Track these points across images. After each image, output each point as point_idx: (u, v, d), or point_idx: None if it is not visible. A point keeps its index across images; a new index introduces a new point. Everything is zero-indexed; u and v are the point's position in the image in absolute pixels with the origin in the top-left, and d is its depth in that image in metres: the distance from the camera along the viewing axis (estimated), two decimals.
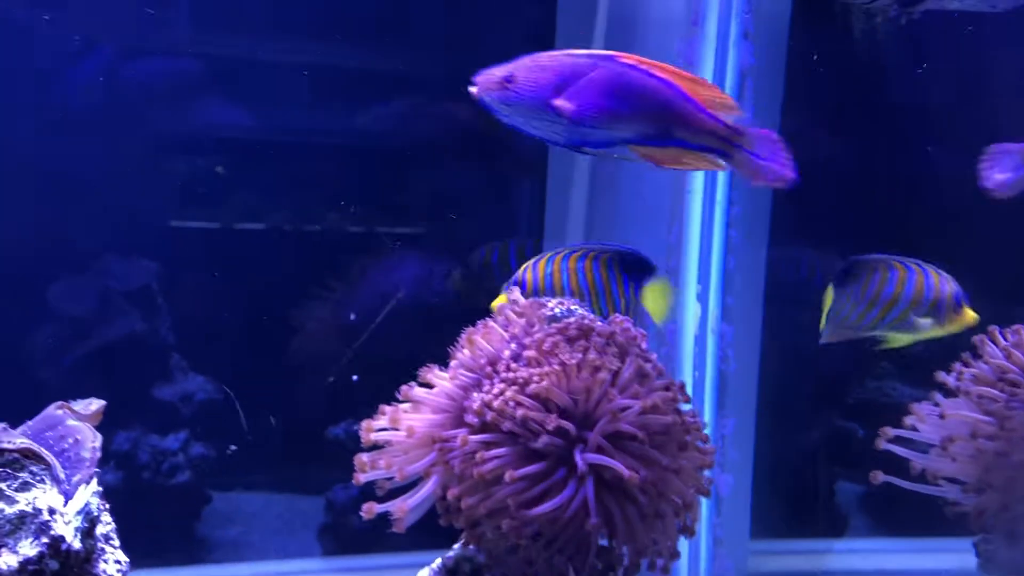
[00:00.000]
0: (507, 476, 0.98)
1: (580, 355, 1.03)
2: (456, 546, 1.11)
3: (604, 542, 1.04)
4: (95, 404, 0.81)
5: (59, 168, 1.95)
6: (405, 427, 1.04)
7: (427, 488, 1.03)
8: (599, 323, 1.08)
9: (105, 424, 2.14)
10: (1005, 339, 1.27)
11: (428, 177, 2.13)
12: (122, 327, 2.00)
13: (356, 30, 2.01)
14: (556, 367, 1.02)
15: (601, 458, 1.00)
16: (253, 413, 2.07)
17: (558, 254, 1.30)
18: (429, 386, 1.08)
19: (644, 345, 1.09)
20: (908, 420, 1.26)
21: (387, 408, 1.07)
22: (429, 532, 1.09)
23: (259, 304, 2.06)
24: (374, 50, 2.03)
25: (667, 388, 1.06)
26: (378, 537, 2.02)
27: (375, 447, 1.07)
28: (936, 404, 1.26)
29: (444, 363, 1.11)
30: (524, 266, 1.30)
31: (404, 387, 1.07)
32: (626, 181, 1.62)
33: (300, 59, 2.00)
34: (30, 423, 0.80)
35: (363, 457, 1.06)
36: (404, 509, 1.02)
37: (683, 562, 1.53)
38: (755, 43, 1.50)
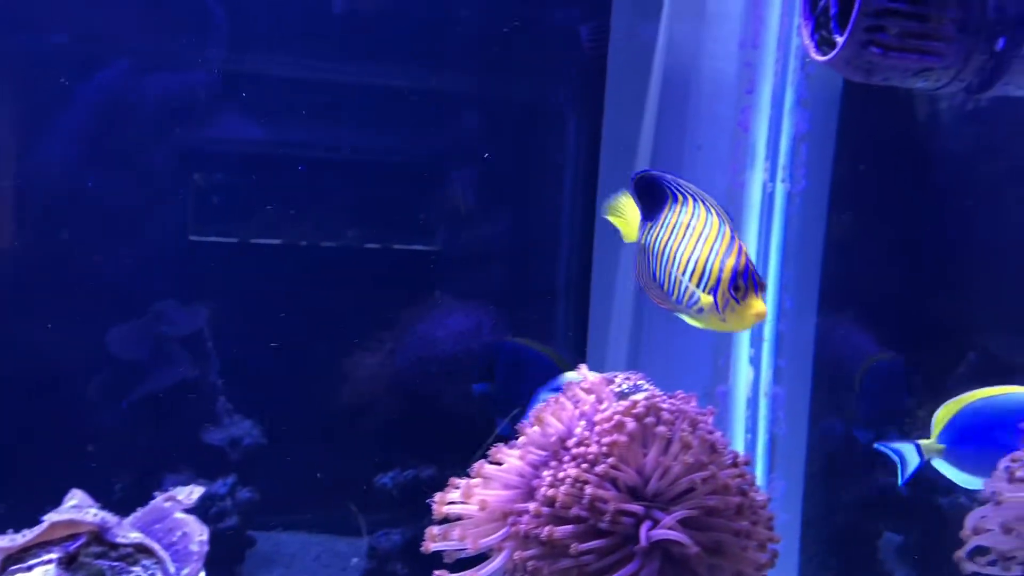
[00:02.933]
0: (572, 549, 1.00)
1: (647, 433, 1.05)
2: None
3: None
4: (196, 492, 0.83)
5: (117, 212, 2.00)
6: (478, 501, 1.06)
7: (498, 561, 1.05)
8: (666, 399, 1.10)
9: (155, 468, 2.17)
10: None
11: None
12: (175, 373, 2.04)
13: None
14: (623, 445, 1.04)
15: (665, 533, 1.02)
16: (299, 457, 2.10)
17: None
18: (499, 463, 1.10)
19: (710, 420, 1.11)
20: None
21: (459, 481, 1.10)
22: None
23: (307, 348, 2.09)
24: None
25: (735, 464, 1.08)
26: None
27: (445, 520, 1.10)
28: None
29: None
30: None
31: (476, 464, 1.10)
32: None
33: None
34: (138, 514, 0.83)
35: (434, 529, 1.09)
36: None
37: None
38: (810, 110, 1.53)
